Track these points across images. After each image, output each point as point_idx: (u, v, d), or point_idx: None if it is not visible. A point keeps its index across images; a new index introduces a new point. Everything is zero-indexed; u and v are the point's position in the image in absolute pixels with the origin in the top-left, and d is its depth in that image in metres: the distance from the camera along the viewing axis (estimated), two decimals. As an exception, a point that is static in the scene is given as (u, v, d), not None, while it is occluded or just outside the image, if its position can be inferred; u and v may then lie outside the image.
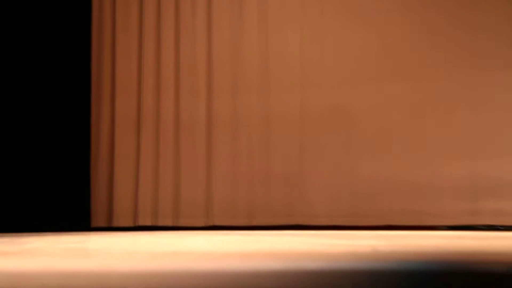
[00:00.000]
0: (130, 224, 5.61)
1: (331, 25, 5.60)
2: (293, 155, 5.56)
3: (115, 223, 5.62)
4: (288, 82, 5.62)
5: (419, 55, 5.39)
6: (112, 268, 0.77)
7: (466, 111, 5.28)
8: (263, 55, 5.69)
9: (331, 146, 5.48)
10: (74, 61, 5.91)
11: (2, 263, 0.84)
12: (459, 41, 5.33)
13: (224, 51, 5.77)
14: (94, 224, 5.66)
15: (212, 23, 5.81)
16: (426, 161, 5.28)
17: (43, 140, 5.80)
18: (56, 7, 5.89)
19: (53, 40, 5.82)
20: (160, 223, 5.58)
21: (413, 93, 5.39)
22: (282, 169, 5.54)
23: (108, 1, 5.98)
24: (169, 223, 5.57)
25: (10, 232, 4.48)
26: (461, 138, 5.27)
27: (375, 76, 5.45)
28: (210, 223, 5.51)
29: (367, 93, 5.46)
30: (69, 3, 5.95)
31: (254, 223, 5.36)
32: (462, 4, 5.37)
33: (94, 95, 5.98)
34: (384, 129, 5.40)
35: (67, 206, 5.53)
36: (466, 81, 5.28)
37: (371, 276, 0.71)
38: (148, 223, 5.59)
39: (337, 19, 5.59)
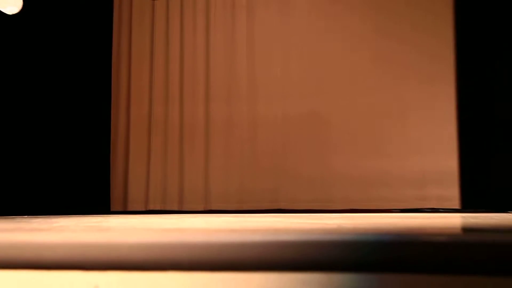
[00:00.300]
0: (142, 208, 5.68)
1: (308, 46, 5.60)
2: (277, 152, 5.56)
3: (130, 208, 5.69)
4: (272, 92, 5.62)
5: (376, 71, 5.42)
6: (126, 240, 0.77)
7: (414, 115, 5.32)
8: (251, 71, 5.69)
9: (308, 144, 5.49)
10: (98, 77, 5.97)
11: (35, 237, 0.84)
12: (407, 61, 5.37)
13: (219, 67, 5.78)
14: (112, 208, 5.73)
15: (210, 44, 5.80)
16: (384, 156, 5.32)
17: (73, 140, 5.81)
18: (83, 33, 5.90)
19: (83, 60, 5.87)
20: (168, 208, 5.62)
21: (372, 101, 5.41)
22: (268, 163, 5.55)
23: (125, 30, 5.99)
24: (175, 207, 5.61)
25: (43, 214, 4.49)
26: (410, 137, 5.30)
27: (344, 88, 5.48)
28: (208, 208, 5.54)
29: (337, 101, 5.48)
30: (92, 31, 5.95)
31: (244, 207, 5.38)
32: (408, 32, 5.39)
33: (114, 104, 5.99)
34: (351, 130, 5.43)
35: (90, 194, 5.63)
36: (412, 91, 5.32)
37: (337, 246, 0.72)
38: (157, 207, 5.65)
39: (314, 42, 5.59)
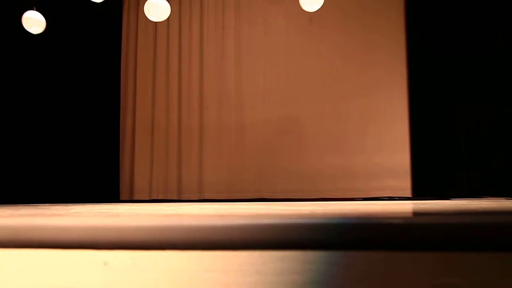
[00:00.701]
0: (146, 197, 5.76)
1: (285, 60, 5.61)
2: (260, 150, 5.56)
3: (136, 197, 5.77)
4: (255, 100, 5.63)
5: (341, 82, 5.44)
6: (131, 224, 0.76)
7: (372, 118, 5.37)
8: (238, 82, 5.70)
9: (286, 143, 5.50)
10: (109, 87, 5.99)
11: (54, 221, 0.83)
12: (366, 74, 5.41)
13: (211, 79, 5.79)
14: (121, 197, 5.84)
15: (203, 60, 5.82)
16: (348, 153, 5.35)
17: (88, 140, 5.84)
18: (96, 51, 5.91)
19: (97, 73, 5.92)
20: (168, 197, 5.69)
21: (339, 106, 5.43)
22: (252, 160, 5.56)
23: (132, 48, 6.00)
24: (174, 197, 5.66)
25: (61, 203, 4.48)
26: (370, 136, 5.34)
27: (315, 96, 5.48)
28: (202, 197, 5.59)
29: (310, 107, 5.49)
30: (104, 49, 5.94)
31: (233, 197, 5.42)
32: (366, 52, 5.42)
33: (122, 109, 6.01)
34: (321, 132, 5.44)
35: (102, 185, 5.73)
36: (371, 99, 5.36)
37: (309, 228, 0.71)
38: (160, 197, 5.73)
39: (290, 57, 5.60)
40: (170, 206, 2.95)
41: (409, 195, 5.09)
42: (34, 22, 4.66)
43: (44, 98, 5.80)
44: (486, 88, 4.90)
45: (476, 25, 4.96)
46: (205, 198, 5.54)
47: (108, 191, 5.67)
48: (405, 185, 5.14)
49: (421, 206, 2.37)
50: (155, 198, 5.69)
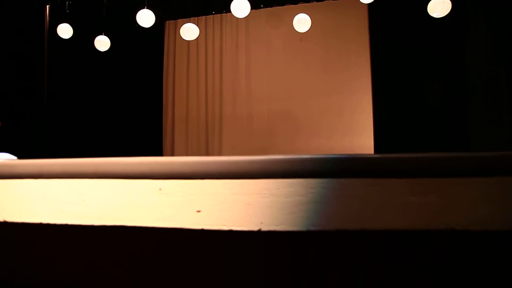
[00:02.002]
0: None
1: (283, 69, 5.59)
2: (264, 135, 5.56)
3: None
4: (261, 98, 5.62)
5: (323, 85, 5.43)
6: (180, 160, 0.78)
7: (345, 111, 5.34)
8: (248, 85, 5.70)
9: (284, 130, 5.50)
10: (154, 91, 5.96)
11: (122, 159, 0.82)
12: (340, 77, 5.36)
13: (228, 83, 5.79)
14: None
15: (222, 69, 5.82)
16: (328, 138, 5.36)
17: (140, 130, 5.84)
18: (148, 63, 5.92)
19: (147, 80, 5.91)
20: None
21: (321, 103, 5.41)
22: (258, 141, 5.56)
23: (171, 60, 6.00)
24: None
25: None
26: (343, 125, 5.32)
27: (304, 94, 5.48)
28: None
29: (300, 103, 5.48)
30: (151, 62, 5.94)
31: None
32: (340, 59, 5.38)
33: (164, 106, 6.02)
34: (309, 122, 5.44)
35: None
36: (344, 97, 5.34)
37: (311, 161, 0.71)
38: None
39: (286, 66, 5.59)
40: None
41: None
42: (102, 43, 4.65)
43: (108, 98, 5.82)
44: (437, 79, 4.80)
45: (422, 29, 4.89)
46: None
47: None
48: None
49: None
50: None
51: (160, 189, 0.71)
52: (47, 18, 4.98)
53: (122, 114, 5.78)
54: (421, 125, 4.80)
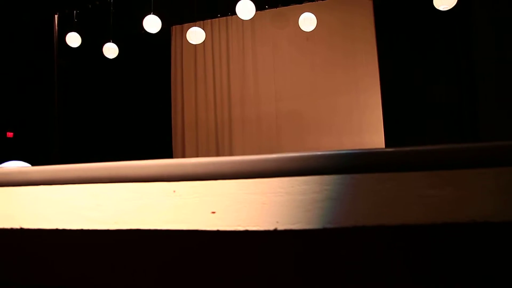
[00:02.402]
0: None
1: (290, 69, 5.58)
2: (272, 135, 5.55)
3: None
4: (269, 99, 5.62)
5: (332, 84, 5.40)
6: (193, 161, 0.77)
7: (355, 109, 5.32)
8: (256, 87, 5.71)
9: (293, 130, 5.49)
10: (163, 95, 5.98)
11: (136, 163, 0.82)
12: (349, 77, 5.33)
13: (237, 85, 5.78)
14: None
15: (230, 71, 5.83)
16: (338, 136, 5.33)
17: (151, 133, 5.86)
18: (156, 69, 5.95)
19: (156, 85, 5.94)
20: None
21: (331, 102, 5.38)
22: (267, 142, 5.56)
23: (179, 64, 6.02)
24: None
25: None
26: (354, 122, 5.29)
27: (311, 94, 5.46)
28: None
29: (307, 102, 5.46)
30: (159, 66, 5.97)
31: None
32: (348, 60, 5.36)
33: (173, 111, 6.01)
34: (317, 121, 5.42)
35: None
36: (354, 96, 5.30)
37: (326, 157, 0.70)
38: None
39: (293, 66, 5.58)
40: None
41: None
42: (110, 50, 4.69)
43: (118, 104, 5.86)
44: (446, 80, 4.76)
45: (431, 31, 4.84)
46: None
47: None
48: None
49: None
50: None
51: (174, 191, 0.71)
52: (56, 27, 5.03)
53: (132, 120, 5.82)
54: (432, 121, 4.75)
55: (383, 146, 5.05)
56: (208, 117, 5.80)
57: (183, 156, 5.81)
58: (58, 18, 5.04)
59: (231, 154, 5.63)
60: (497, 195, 0.65)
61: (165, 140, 5.87)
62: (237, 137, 5.65)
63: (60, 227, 0.77)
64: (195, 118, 5.85)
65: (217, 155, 5.67)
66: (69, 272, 0.82)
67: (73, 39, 4.59)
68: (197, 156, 5.74)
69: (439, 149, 0.66)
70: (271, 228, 0.67)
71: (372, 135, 5.14)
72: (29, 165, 1.13)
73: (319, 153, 0.67)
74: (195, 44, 5.11)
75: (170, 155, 5.84)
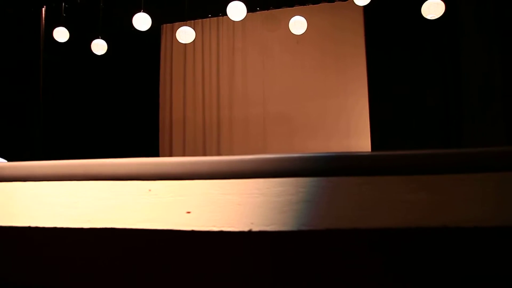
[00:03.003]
0: None
1: (278, 71, 5.60)
2: (260, 137, 5.56)
3: None
4: (257, 100, 5.62)
5: (320, 88, 5.43)
6: (169, 160, 0.77)
7: (343, 113, 5.34)
8: (244, 89, 5.70)
9: (280, 133, 5.49)
10: (151, 94, 5.93)
11: (111, 160, 0.82)
12: (338, 81, 5.36)
13: (225, 86, 5.78)
14: None
15: (219, 72, 5.82)
16: (325, 139, 5.34)
17: (138, 132, 5.81)
18: (145, 67, 5.91)
19: (144, 84, 5.88)
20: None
21: (318, 105, 5.41)
22: (255, 144, 5.55)
23: (168, 63, 5.99)
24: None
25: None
26: (341, 126, 5.32)
27: (300, 96, 5.48)
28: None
29: (296, 105, 5.48)
30: (148, 65, 5.93)
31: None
32: (337, 62, 5.39)
33: (161, 109, 5.99)
34: (303, 123, 5.44)
35: None
36: (341, 99, 5.33)
37: (301, 160, 0.70)
38: None
39: (282, 68, 5.59)
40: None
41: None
42: (99, 46, 4.64)
43: (105, 101, 5.80)
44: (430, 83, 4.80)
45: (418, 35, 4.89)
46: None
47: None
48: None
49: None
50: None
51: (149, 190, 0.70)
52: (43, 21, 4.96)
53: (119, 118, 5.77)
54: (418, 126, 4.80)
55: (370, 150, 5.08)
56: (196, 117, 5.78)
57: (170, 156, 5.78)
58: (46, 11, 4.97)
59: (218, 155, 5.61)
60: (469, 201, 0.66)
61: (152, 139, 5.83)
62: (224, 138, 5.64)
63: (33, 224, 0.76)
64: (183, 118, 5.83)
65: (204, 155, 5.64)
66: (41, 271, 0.81)
67: (61, 34, 4.53)
68: (184, 156, 5.71)
69: (414, 154, 0.67)
70: (246, 229, 0.67)
71: (359, 139, 5.18)
72: (5, 161, 1.11)
73: (295, 155, 0.67)
74: (185, 44, 5.09)
75: (156, 155, 5.80)
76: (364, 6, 4.60)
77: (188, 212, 0.69)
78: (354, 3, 3.96)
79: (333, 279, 0.74)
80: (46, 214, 0.76)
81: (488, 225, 0.66)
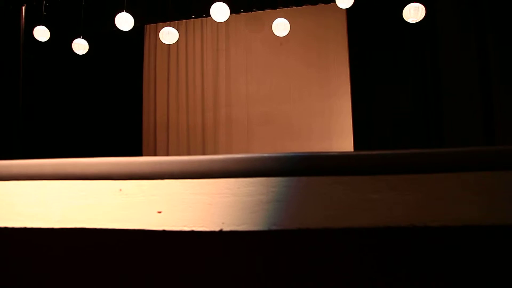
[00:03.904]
0: None
1: (262, 71, 5.61)
2: (244, 138, 5.55)
3: None
4: (241, 101, 5.62)
5: (303, 89, 5.45)
6: (140, 160, 0.76)
7: (327, 114, 5.38)
8: (228, 89, 5.70)
9: (263, 134, 5.50)
10: (134, 95, 5.87)
11: (83, 160, 0.81)
12: (322, 82, 5.39)
13: (210, 87, 5.77)
14: None
15: (204, 73, 5.81)
16: (306, 140, 5.38)
17: (121, 133, 5.75)
18: (127, 67, 5.84)
19: (127, 84, 5.82)
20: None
21: (303, 106, 5.43)
22: (238, 145, 5.54)
23: (152, 64, 5.95)
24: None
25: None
26: (325, 128, 5.36)
27: (283, 98, 5.49)
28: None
29: (279, 106, 5.50)
30: (130, 65, 5.87)
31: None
32: (321, 63, 5.42)
33: (145, 111, 5.94)
34: (288, 124, 5.45)
35: None
36: (325, 101, 5.37)
37: (272, 160, 0.71)
38: None
39: (266, 69, 5.61)
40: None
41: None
42: (80, 46, 4.57)
43: (87, 102, 5.71)
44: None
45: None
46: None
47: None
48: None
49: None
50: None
51: (120, 189, 0.70)
52: (23, 20, 4.87)
53: (101, 119, 5.68)
54: (400, 126, 4.86)
55: (352, 151, 5.11)
56: (179, 118, 5.74)
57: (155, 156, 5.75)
58: (26, 10, 4.87)
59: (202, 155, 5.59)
60: (437, 201, 0.67)
61: (135, 141, 5.76)
62: (208, 138, 5.61)
63: (1, 225, 0.74)
64: (166, 119, 5.78)
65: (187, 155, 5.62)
66: (8, 272, 0.80)
67: (41, 33, 4.45)
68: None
69: (383, 154, 0.68)
70: (217, 229, 0.67)
71: (341, 140, 5.22)
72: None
73: (265, 155, 0.67)
74: (169, 44, 5.05)
75: (140, 156, 5.75)
76: (347, 9, 4.65)
77: (159, 212, 0.68)
78: (337, 6, 3.99)
79: (305, 277, 0.75)
80: (15, 214, 0.74)
81: (455, 225, 0.67)
